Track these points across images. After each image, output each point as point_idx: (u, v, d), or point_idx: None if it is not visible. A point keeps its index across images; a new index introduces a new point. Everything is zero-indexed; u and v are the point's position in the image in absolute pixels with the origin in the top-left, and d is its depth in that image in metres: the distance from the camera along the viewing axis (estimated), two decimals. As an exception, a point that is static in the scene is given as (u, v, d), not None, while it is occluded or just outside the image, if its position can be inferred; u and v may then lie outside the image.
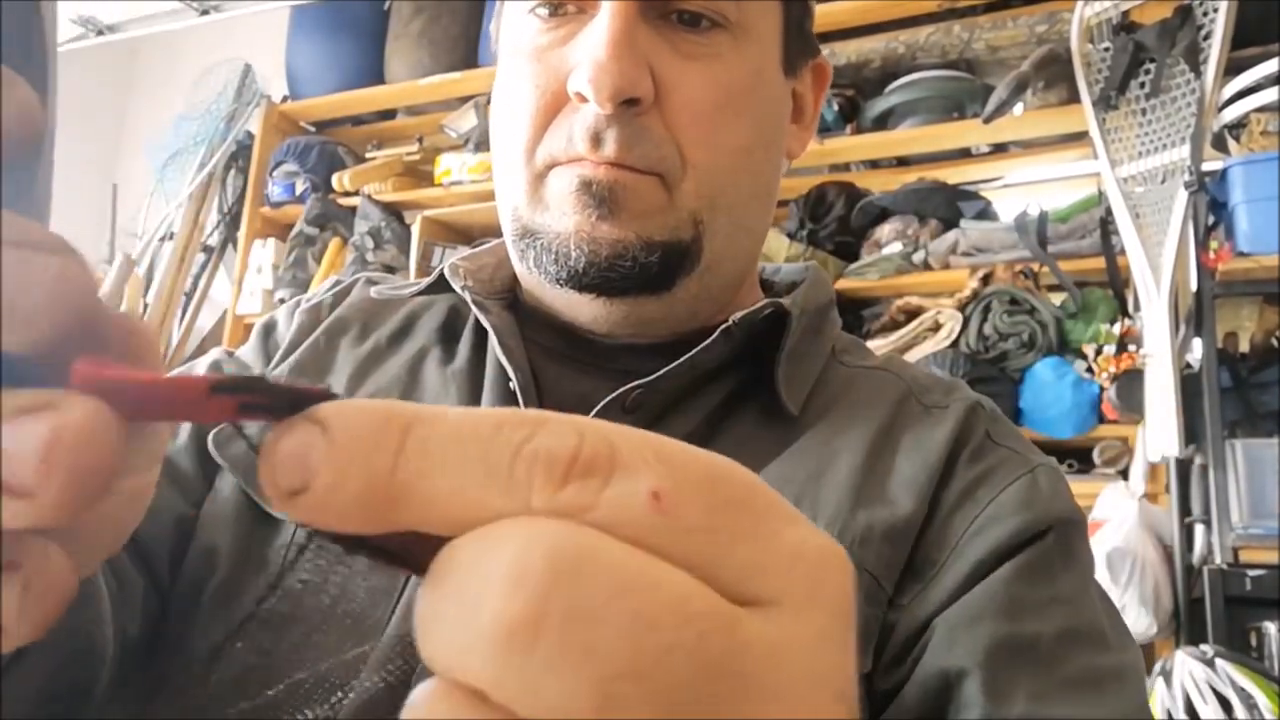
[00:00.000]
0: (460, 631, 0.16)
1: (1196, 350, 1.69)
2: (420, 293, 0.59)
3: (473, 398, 0.52)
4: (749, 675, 0.16)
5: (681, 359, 0.50)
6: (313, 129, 3.02)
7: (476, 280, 0.57)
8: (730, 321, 0.50)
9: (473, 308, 0.54)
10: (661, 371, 0.49)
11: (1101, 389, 1.79)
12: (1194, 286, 1.72)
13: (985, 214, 2.11)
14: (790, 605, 0.17)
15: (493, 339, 0.52)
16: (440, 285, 0.57)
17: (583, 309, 0.52)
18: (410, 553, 0.18)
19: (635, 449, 0.17)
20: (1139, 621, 1.57)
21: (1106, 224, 1.84)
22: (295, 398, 0.18)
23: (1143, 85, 1.82)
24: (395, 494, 0.17)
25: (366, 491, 0.17)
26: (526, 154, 0.50)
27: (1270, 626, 1.47)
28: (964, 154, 2.29)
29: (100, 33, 2.49)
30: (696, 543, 0.17)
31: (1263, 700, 1.31)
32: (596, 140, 0.47)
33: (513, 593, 0.15)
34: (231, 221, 2.97)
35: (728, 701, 0.16)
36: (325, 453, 0.17)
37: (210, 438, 0.52)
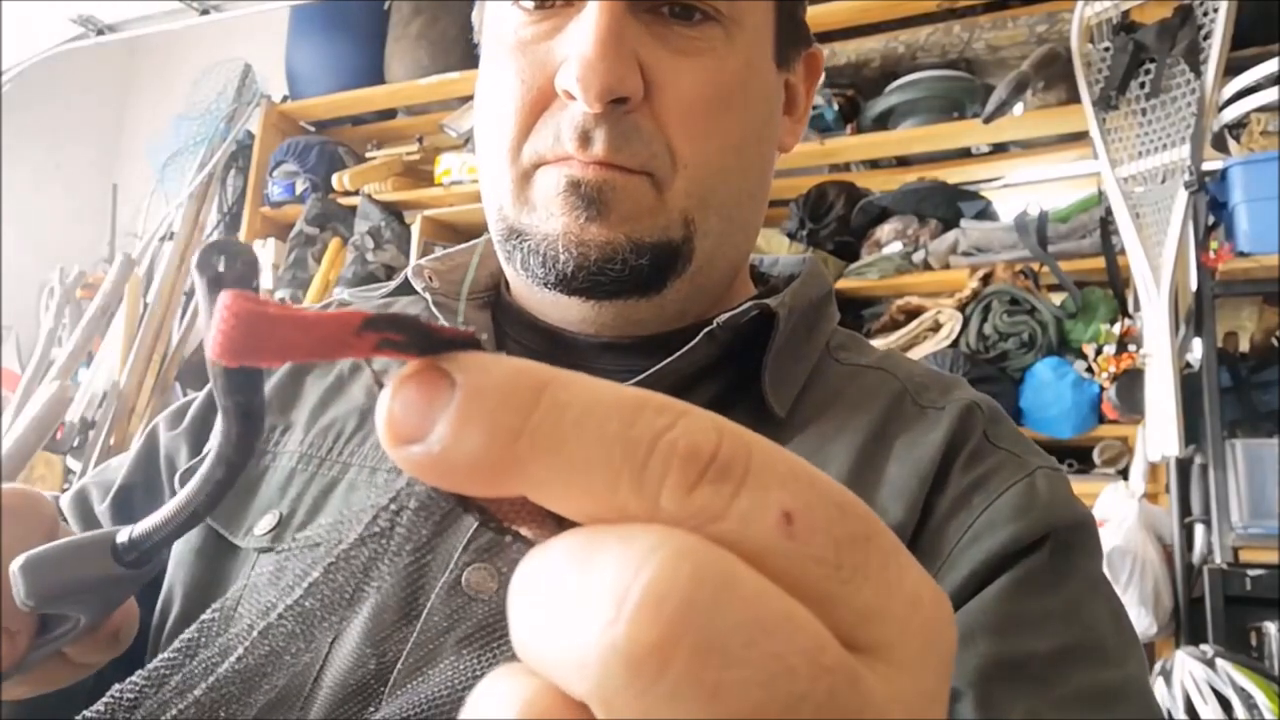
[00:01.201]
0: (578, 640, 0.14)
1: (1196, 350, 1.69)
2: (389, 295, 0.58)
3: None
4: None
5: (661, 364, 0.48)
6: (313, 129, 3.01)
7: (445, 281, 0.56)
8: (714, 325, 0.49)
9: (433, 309, 0.53)
10: (641, 376, 0.48)
11: (1101, 389, 1.79)
12: (1194, 286, 1.72)
13: (985, 214, 2.11)
14: (902, 660, 0.16)
15: None
16: (408, 288, 0.56)
17: (571, 311, 0.51)
18: (518, 514, 0.17)
19: (769, 458, 0.16)
20: (1139, 621, 1.57)
21: (1106, 224, 1.84)
22: (439, 342, 0.16)
23: (1143, 85, 1.81)
24: (514, 462, 0.15)
25: (483, 454, 0.15)
26: (512, 151, 0.49)
27: (1270, 626, 1.47)
28: (964, 154, 2.29)
29: (100, 32, 2.48)
30: (818, 575, 0.15)
31: (1263, 700, 1.31)
32: (585, 139, 0.46)
33: (650, 618, 0.14)
34: (231, 221, 2.97)
35: None
36: (447, 404, 0.15)
37: (178, 477, 0.52)
